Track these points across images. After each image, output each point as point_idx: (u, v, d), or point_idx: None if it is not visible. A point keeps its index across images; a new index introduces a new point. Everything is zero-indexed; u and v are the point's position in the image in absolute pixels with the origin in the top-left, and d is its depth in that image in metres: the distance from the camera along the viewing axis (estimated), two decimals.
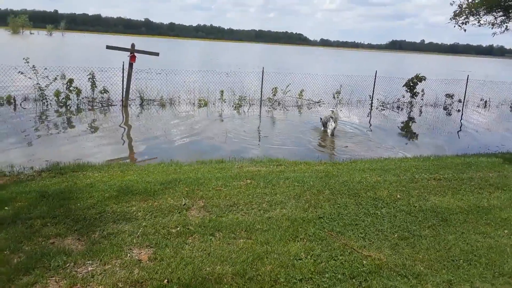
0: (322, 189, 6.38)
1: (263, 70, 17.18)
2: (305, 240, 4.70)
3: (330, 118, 12.24)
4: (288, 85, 18.09)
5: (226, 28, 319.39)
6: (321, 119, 13.03)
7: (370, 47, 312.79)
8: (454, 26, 11.84)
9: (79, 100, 15.02)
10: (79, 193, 5.80)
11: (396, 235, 4.92)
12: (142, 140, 11.12)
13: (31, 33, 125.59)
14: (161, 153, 9.67)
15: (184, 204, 5.54)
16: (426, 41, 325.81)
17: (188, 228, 4.85)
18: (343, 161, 8.86)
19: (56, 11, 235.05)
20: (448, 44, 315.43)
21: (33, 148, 9.38)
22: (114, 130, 11.97)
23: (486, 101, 21.96)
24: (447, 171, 7.83)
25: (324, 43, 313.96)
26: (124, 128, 12.51)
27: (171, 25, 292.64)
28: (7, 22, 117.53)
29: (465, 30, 11.94)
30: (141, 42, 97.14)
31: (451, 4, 14.24)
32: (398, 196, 6.23)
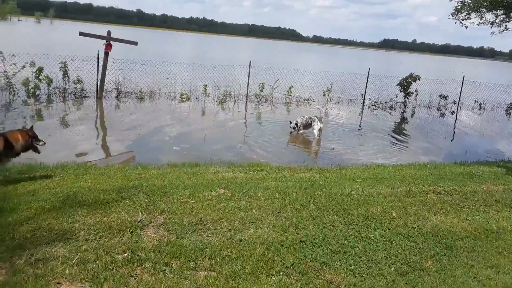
0: (306, 203, 5.48)
1: (249, 64, 16.21)
2: (281, 273, 3.80)
3: (316, 118, 11.33)
4: (276, 81, 17.13)
5: (219, 21, 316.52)
6: (290, 122, 11.11)
7: (362, 45, 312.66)
8: (455, 23, 11.06)
9: (49, 91, 13.90)
10: (15, 203, 4.81)
11: (392, 269, 4.03)
12: (115, 135, 10.17)
13: (19, 20, 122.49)
14: (133, 151, 8.80)
15: (140, 221, 4.60)
16: (418, 41, 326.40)
17: (138, 255, 3.92)
18: (331, 167, 7.97)
19: None
20: (440, 44, 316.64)
21: None
22: (85, 124, 10.95)
23: (480, 103, 21.24)
24: (447, 183, 6.98)
25: (317, 39, 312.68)
26: (96, 122, 11.49)
27: (164, 16, 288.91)
28: None
29: (466, 27, 11.15)
30: (133, 32, 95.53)
31: (450, 0, 13.49)
32: (394, 214, 5.36)
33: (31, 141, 5.87)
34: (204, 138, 10.18)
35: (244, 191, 5.80)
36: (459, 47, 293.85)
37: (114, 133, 10.43)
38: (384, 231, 4.84)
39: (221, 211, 5.02)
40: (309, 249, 4.27)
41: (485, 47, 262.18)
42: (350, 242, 4.47)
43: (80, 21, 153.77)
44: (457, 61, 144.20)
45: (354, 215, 5.21)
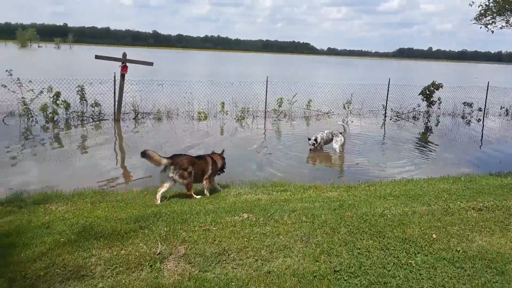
0: (337, 227, 5.07)
1: (267, 80, 15.96)
2: None
3: (338, 133, 10.92)
4: (295, 95, 16.83)
5: (233, 38, 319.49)
6: (309, 139, 10.69)
7: (377, 55, 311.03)
8: (481, 27, 10.57)
9: (67, 115, 13.86)
10: (29, 237, 4.56)
11: None
12: (133, 158, 9.96)
13: (39, 46, 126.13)
14: (153, 173, 8.56)
15: (159, 253, 4.27)
16: (434, 49, 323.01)
17: None
18: (358, 184, 7.55)
19: (65, 25, 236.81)
20: (456, 51, 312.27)
21: (4, 172, 8.20)
22: (104, 148, 10.80)
23: (507, 109, 20.48)
24: (487, 198, 6.48)
25: (331, 52, 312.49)
26: (115, 145, 11.32)
27: (179, 36, 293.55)
28: (15, 36, 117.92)
29: (492, 31, 10.64)
30: (149, 53, 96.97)
31: (470, 5, 13.10)
32: (434, 235, 4.90)
33: (224, 163, 7.25)
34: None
35: (269, 215, 5.43)
36: (476, 53, 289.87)
37: (133, 155, 10.22)
38: (426, 256, 4.39)
39: (245, 239, 4.66)
40: (345, 280, 3.86)
41: (503, 52, 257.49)
42: (389, 271, 4.05)
43: (98, 45, 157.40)
44: (475, 67, 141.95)
45: (391, 238, 4.78)
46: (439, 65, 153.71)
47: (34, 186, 7.22)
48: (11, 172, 8.28)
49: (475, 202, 6.23)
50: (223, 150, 7.35)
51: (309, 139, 10.65)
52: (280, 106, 16.51)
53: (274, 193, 6.75)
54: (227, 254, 4.32)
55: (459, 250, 4.56)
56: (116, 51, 13.87)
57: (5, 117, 13.20)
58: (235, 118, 15.63)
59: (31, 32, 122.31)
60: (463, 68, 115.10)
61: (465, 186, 7.31)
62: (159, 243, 4.47)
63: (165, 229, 4.85)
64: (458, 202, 6.22)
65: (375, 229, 5.02)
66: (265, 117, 16.04)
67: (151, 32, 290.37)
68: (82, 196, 6.32)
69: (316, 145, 10.59)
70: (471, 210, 5.89)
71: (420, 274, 4.01)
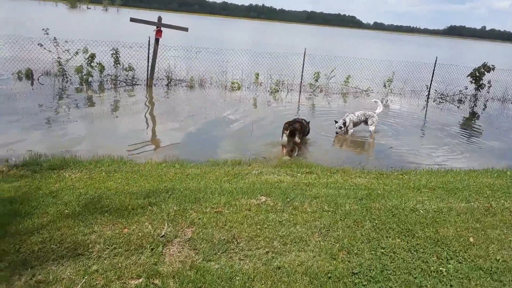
0: (362, 220, 4.61)
1: (304, 52, 15.25)
2: None
3: (373, 114, 10.17)
4: (333, 70, 16.05)
5: (278, 8, 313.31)
6: (336, 122, 9.87)
7: (426, 32, 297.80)
8: None
9: (101, 78, 13.76)
10: (33, 206, 4.36)
11: None
12: (162, 125, 9.80)
13: (88, 8, 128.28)
14: (181, 140, 8.53)
15: (163, 235, 3.97)
16: (488, 28, 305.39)
17: (153, 283, 3.28)
18: (391, 171, 6.98)
19: None
20: None
21: (30, 133, 8.11)
22: (134, 113, 10.65)
23: None
24: None
25: (378, 26, 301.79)
26: (145, 111, 11.13)
27: (224, 4, 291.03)
28: None
29: None
30: (193, 19, 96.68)
31: None
32: (471, 239, 4.36)
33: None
34: (251, 132, 9.48)
35: (288, 199, 5.03)
36: None
37: (162, 122, 10.03)
38: (460, 263, 3.89)
39: (258, 226, 4.29)
40: (364, 285, 3.43)
41: None
42: (416, 278, 3.58)
43: (145, 9, 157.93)
44: None
45: (421, 238, 4.28)
46: (493, 45, 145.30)
47: (58, 149, 7.09)
48: (38, 134, 8.18)
49: None
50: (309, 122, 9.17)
51: (336, 122, 9.93)
52: (316, 80, 15.81)
53: (299, 175, 6.32)
54: (236, 242, 3.97)
55: (499, 259, 4.03)
56: (163, 16, 13.48)
57: (40, 76, 13.23)
58: (269, 91, 15.10)
59: None
60: None
61: (511, 182, 6.61)
62: (166, 224, 4.17)
63: (175, 207, 4.55)
64: (502, 201, 5.59)
65: (404, 226, 4.53)
66: (300, 91, 15.43)
67: None
68: (99, 163, 6.10)
69: (343, 128, 9.86)
70: None
71: (451, 286, 3.52)
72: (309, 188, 5.56)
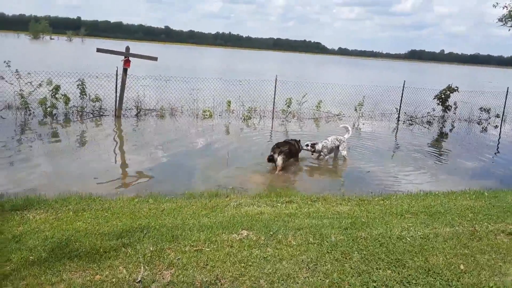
0: (349, 251, 4.42)
1: (276, 79, 15.29)
2: None
3: (342, 138, 10.03)
4: (304, 96, 16.14)
5: (244, 36, 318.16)
6: (307, 145, 9.75)
7: (389, 56, 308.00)
8: (509, 30, 9.93)
9: (67, 109, 13.29)
10: None
11: None
12: (132, 157, 9.42)
13: (51, 39, 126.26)
14: (151, 174, 8.11)
15: (140, 281, 3.65)
16: (446, 51, 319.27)
17: None
18: (371, 197, 6.86)
19: (79, 18, 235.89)
20: (469, 54, 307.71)
21: None
22: (102, 145, 10.25)
23: None
24: None
25: (343, 52, 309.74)
26: (113, 143, 10.73)
27: (191, 32, 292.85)
28: (28, 28, 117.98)
29: None
30: (160, 48, 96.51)
31: (494, 6, 12.57)
32: (462, 266, 4.23)
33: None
34: (227, 161, 9.25)
35: (271, 233, 4.79)
36: (489, 57, 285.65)
37: (132, 155, 9.66)
38: None
39: (242, 264, 4.02)
40: None
41: None
42: None
43: (110, 38, 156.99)
44: (487, 70, 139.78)
45: (412, 268, 4.11)
46: (451, 68, 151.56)
47: (22, 187, 6.66)
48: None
49: (504, 224, 5.54)
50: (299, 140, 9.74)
51: (307, 145, 9.80)
52: (289, 106, 15.83)
53: (279, 204, 6.10)
54: (219, 283, 3.68)
55: (492, 286, 3.89)
56: (129, 46, 13.20)
57: (1, 110, 12.66)
58: (241, 118, 14.97)
59: (43, 24, 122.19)
60: (475, 72, 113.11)
61: (489, 203, 6.60)
62: (142, 267, 3.85)
63: (151, 248, 4.23)
64: (485, 224, 5.53)
65: (393, 256, 4.35)
66: (272, 118, 15.37)
67: (163, 27, 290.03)
68: (66, 202, 5.71)
69: (310, 149, 9.74)
70: (501, 234, 5.21)
71: None
72: (291, 219, 5.35)
